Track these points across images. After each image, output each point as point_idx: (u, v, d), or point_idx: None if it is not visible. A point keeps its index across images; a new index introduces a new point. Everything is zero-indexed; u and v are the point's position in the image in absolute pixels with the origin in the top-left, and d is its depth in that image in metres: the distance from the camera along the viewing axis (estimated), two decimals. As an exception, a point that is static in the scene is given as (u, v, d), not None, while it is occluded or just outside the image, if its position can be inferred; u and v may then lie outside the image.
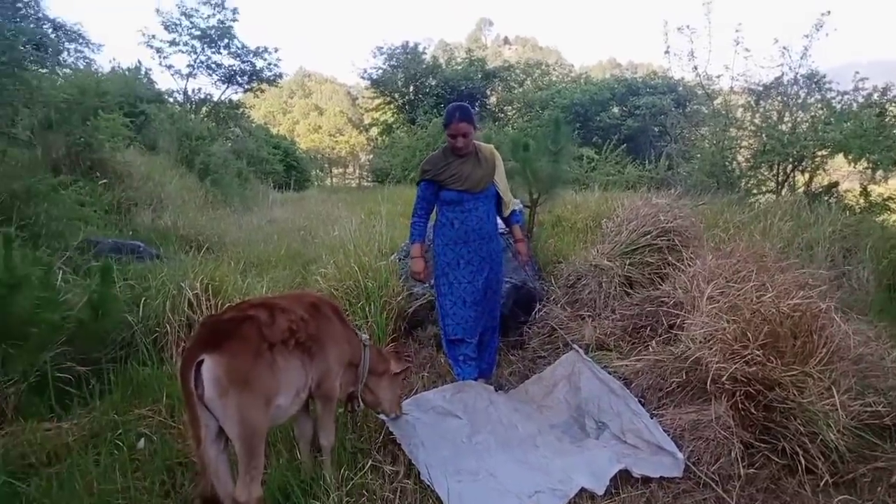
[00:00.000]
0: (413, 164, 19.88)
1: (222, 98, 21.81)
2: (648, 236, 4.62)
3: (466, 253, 3.72)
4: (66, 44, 18.45)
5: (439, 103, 25.31)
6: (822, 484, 2.73)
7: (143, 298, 4.25)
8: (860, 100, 8.30)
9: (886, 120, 5.70)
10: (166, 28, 19.98)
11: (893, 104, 6.05)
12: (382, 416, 3.23)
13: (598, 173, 12.83)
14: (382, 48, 27.57)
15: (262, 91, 24.00)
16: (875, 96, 6.97)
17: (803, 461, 2.81)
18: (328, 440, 2.80)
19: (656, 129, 17.57)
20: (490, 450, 3.20)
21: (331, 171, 37.21)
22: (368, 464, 2.92)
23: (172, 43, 20.19)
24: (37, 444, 3.04)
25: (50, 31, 17.23)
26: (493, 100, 28.11)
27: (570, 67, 43.60)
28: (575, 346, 3.92)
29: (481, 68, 27.31)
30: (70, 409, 3.40)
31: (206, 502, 2.14)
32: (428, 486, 2.79)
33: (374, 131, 31.61)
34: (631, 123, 18.52)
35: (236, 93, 22.68)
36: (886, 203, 7.57)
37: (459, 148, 3.63)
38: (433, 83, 26.63)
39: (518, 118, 24.67)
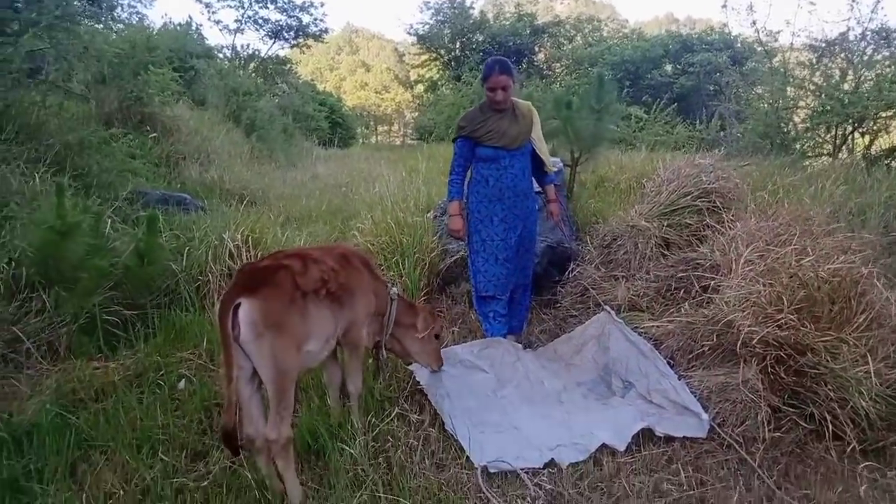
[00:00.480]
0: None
1: (269, 54, 21.95)
2: (688, 197, 4.50)
3: (500, 210, 3.70)
4: (119, -1, 18.82)
5: (486, 59, 24.85)
6: (848, 450, 2.69)
7: (187, 248, 4.42)
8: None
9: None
10: (213, -17, 20.12)
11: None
12: (412, 367, 3.32)
13: (647, 133, 12.44)
14: (429, 3, 27.06)
15: (309, 47, 24.09)
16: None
17: (831, 427, 2.76)
18: (355, 386, 2.90)
19: (710, 88, 16.87)
20: (514, 404, 3.25)
21: (376, 129, 37.22)
22: (395, 412, 3.01)
23: (221, -2, 20.36)
24: (86, 381, 3.24)
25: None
26: (541, 56, 27.39)
27: (624, 23, 42.06)
28: (606, 306, 3.90)
29: (530, 23, 26.54)
30: (117, 350, 3.61)
31: (227, 436, 2.25)
32: (451, 435, 2.87)
33: (419, 88, 31.32)
34: (684, 82, 17.84)
35: (283, 48, 22.83)
36: (951, 168, 7.14)
37: (498, 102, 3.59)
38: (480, 39, 26.08)
39: (566, 75, 24.03)
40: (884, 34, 8.64)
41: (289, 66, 23.17)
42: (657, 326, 3.62)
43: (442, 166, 10.09)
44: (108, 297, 3.76)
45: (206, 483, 2.55)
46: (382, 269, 4.52)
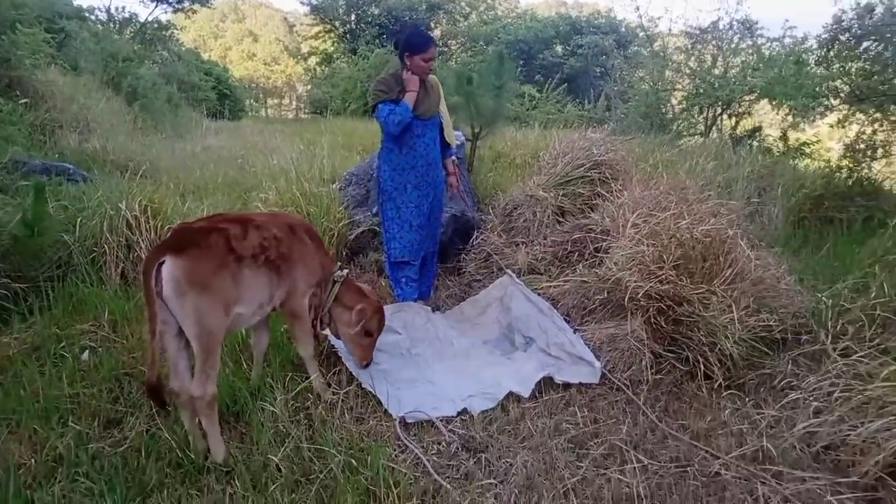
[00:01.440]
0: (355, 96, 19.44)
1: (149, 18, 20.48)
2: (581, 168, 4.85)
3: (413, 178, 3.83)
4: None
5: (382, 33, 24.63)
6: (716, 387, 3.11)
7: (79, 219, 4.20)
8: (789, 47, 8.67)
9: (803, 69, 6.05)
10: (87, -62, 18.41)
11: (810, 53, 6.42)
12: (325, 332, 3.39)
13: (539, 112, 12.98)
14: (324, -28, 26.32)
15: (194, 12, 22.63)
16: (790, 45, 7.35)
17: (702, 368, 3.17)
18: (306, 351, 2.99)
19: (598, 70, 17.78)
20: (427, 361, 3.45)
21: (265, 102, 35.83)
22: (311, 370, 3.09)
23: (95, -46, 18.69)
24: (-24, 357, 3.06)
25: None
26: (437, 32, 27.47)
27: (517, 2, 42.94)
28: (508, 270, 4.16)
29: (426, -1, 26.54)
30: (9, 323, 3.41)
31: (151, 390, 2.29)
32: (369, 391, 3.00)
33: (312, 61, 30.44)
34: (573, 63, 18.65)
35: (165, 13, 21.32)
36: (801, 148, 8.06)
37: (427, 73, 3.74)
38: (376, 12, 25.75)
39: (462, 53, 24.35)
40: (748, 24, 9.54)
41: (170, 31, 21.71)
42: (554, 287, 3.93)
43: (342, 140, 10.05)
44: (-5, 269, 3.53)
45: (122, 448, 2.53)
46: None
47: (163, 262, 2.23)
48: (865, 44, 5.90)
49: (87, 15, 16.67)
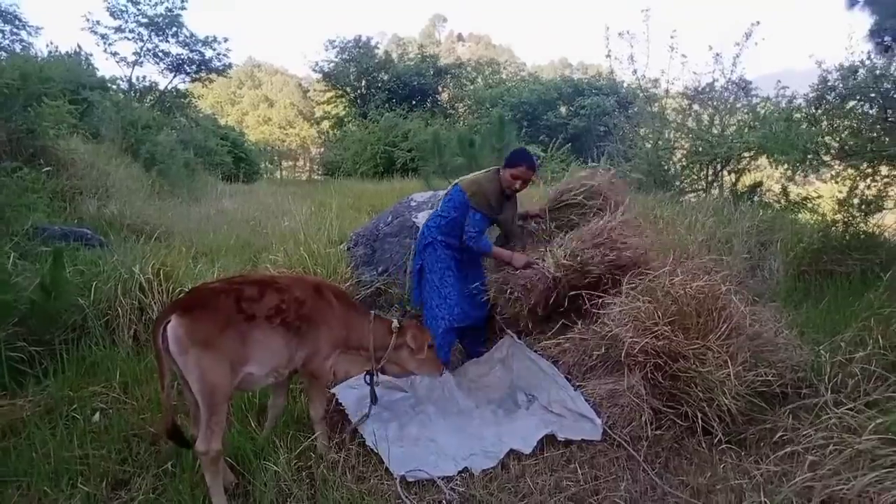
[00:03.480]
0: (365, 158, 19.98)
1: (169, 87, 21.37)
2: (572, 192, 4.88)
3: (477, 269, 4.23)
4: (1, 25, 17.84)
5: (391, 98, 25.49)
6: (716, 442, 3.12)
7: (94, 283, 4.35)
8: (782, 106, 8.91)
9: (794, 126, 6.25)
10: (112, 14, 19.48)
11: (799, 111, 6.64)
12: (335, 390, 3.47)
13: (544, 170, 13.26)
14: (335, 41, 27.56)
15: (211, 81, 23.60)
16: (783, 104, 7.59)
17: (701, 423, 3.20)
18: (316, 412, 3.05)
19: (600, 129, 18.19)
20: (431, 418, 3.49)
21: (280, 164, 36.76)
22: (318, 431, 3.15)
23: (118, 30, 19.71)
24: (-8, 419, 3.16)
25: (-19, 11, 16.65)
26: (444, 96, 28.44)
27: (522, 66, 44.40)
28: (508, 331, 4.23)
29: (433, 65, 27.60)
30: (24, 386, 3.52)
31: (171, 435, 2.47)
32: (371, 450, 3.05)
33: (325, 124, 31.48)
34: (577, 123, 19.14)
35: (183, 82, 22.26)
36: (803, 202, 8.18)
37: (516, 190, 4.09)
38: (385, 78, 26.78)
39: (469, 115, 25.07)
40: (742, 84, 9.84)
41: (189, 99, 22.62)
42: (555, 345, 3.99)
43: (351, 201, 10.33)
44: (13, 332, 3.67)
45: (129, 509, 2.59)
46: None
47: (169, 321, 2.37)
48: (851, 103, 6.10)
49: (109, 85, 17.45)
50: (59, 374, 3.66)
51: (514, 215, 4.28)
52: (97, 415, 3.31)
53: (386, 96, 25.78)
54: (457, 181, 4.20)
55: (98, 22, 19.56)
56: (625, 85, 19.44)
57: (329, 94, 29.36)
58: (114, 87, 18.43)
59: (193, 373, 2.39)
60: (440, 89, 28.22)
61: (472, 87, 27.95)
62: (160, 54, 20.57)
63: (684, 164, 10.02)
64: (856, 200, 6.15)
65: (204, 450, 2.42)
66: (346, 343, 3.08)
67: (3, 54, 15.32)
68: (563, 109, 21.16)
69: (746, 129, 8.74)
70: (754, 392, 3.32)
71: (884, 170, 6.12)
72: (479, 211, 4.02)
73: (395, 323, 3.26)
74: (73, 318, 4.13)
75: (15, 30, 18.40)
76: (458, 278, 4.08)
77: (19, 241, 4.83)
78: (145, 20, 19.76)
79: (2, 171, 5.98)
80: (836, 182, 6.44)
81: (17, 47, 18.05)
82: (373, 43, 28.36)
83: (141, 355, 4.00)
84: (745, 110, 9.43)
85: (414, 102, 26.16)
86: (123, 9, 19.49)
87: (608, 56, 11.12)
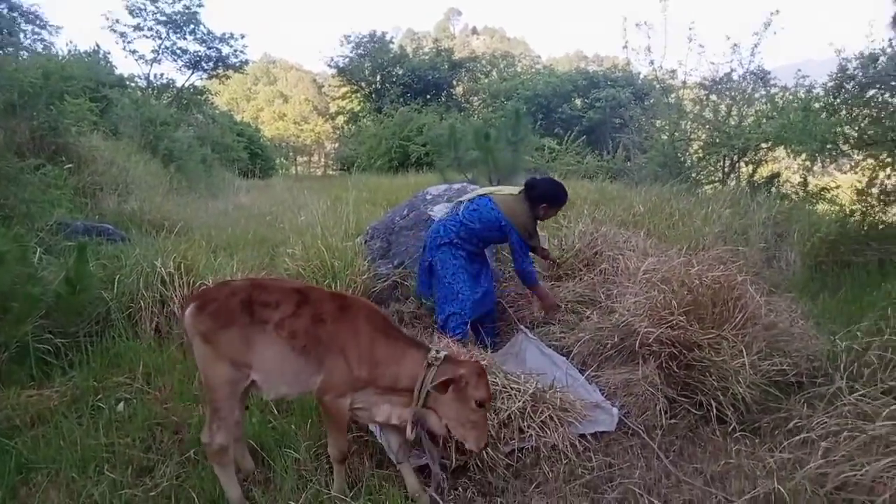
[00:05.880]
0: (380, 152, 20.06)
1: (186, 84, 21.60)
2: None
3: (486, 270, 4.35)
4: (23, 25, 18.13)
5: (406, 92, 25.55)
6: (730, 430, 3.14)
7: (117, 276, 4.45)
8: (801, 95, 8.83)
9: (812, 116, 6.20)
10: (130, 13, 19.73)
11: (817, 101, 6.58)
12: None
13: (559, 163, 13.27)
14: (350, 36, 27.65)
15: (228, 77, 23.82)
16: (801, 94, 7.51)
17: (716, 412, 3.21)
18: (333, 453, 2.61)
19: (616, 122, 18.05)
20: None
21: (295, 160, 37.02)
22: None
23: (137, 28, 19.95)
24: (20, 409, 3.26)
25: (5, 11, 16.92)
26: (459, 90, 28.42)
27: (537, 59, 44.10)
28: (521, 326, 4.26)
29: (448, 59, 27.56)
30: (51, 377, 3.62)
31: None
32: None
33: (340, 119, 31.63)
34: (592, 115, 19.04)
35: (200, 79, 22.49)
36: (822, 193, 8.11)
37: (543, 219, 4.25)
38: (400, 72, 26.81)
39: (484, 108, 25.02)
40: (761, 75, 9.75)
41: (205, 95, 22.85)
42: (569, 335, 4.02)
43: (367, 195, 10.40)
44: (39, 325, 3.77)
45: (153, 494, 2.66)
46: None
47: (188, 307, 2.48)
48: (871, 92, 6.04)
49: (127, 83, 17.69)
50: (84, 365, 3.75)
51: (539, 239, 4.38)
52: (121, 404, 3.40)
53: (401, 91, 25.84)
54: (485, 194, 4.24)
55: (118, 20, 19.83)
56: (641, 77, 19.35)
57: (344, 90, 29.47)
58: (132, 84, 18.69)
59: (198, 361, 2.48)
60: (455, 83, 28.19)
61: (486, 81, 27.87)
62: (178, 52, 20.80)
63: (701, 155, 9.97)
64: (875, 190, 6.09)
65: (206, 441, 2.47)
66: (372, 382, 2.53)
67: (26, 54, 15.58)
68: (578, 102, 21.04)
69: (764, 120, 8.67)
70: (769, 381, 3.33)
71: (904, 159, 6.05)
72: (519, 234, 4.11)
73: (434, 353, 2.56)
74: (97, 310, 4.23)
75: (37, 29, 18.74)
76: (470, 276, 4.16)
77: (44, 236, 4.95)
78: (164, 18, 19.98)
79: (26, 168, 6.13)
80: (856, 172, 6.38)
81: (39, 46, 18.40)
82: (387, 38, 28.42)
83: (163, 347, 4.09)
84: (764, 101, 9.34)
85: (429, 97, 26.21)
86: (142, 7, 19.72)
87: (625, 47, 11.07)
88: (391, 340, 2.59)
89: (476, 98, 27.76)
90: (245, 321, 2.46)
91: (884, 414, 2.49)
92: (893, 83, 5.63)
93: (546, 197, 4.12)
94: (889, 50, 5.90)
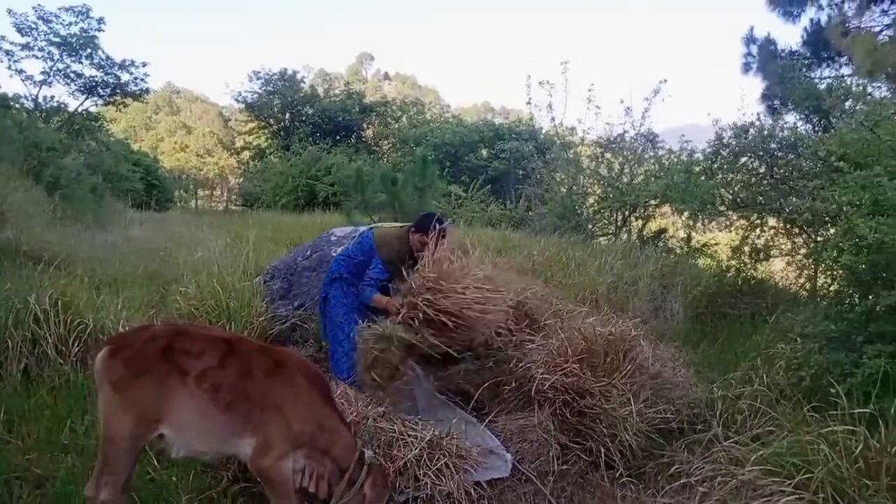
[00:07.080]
0: (286, 190, 19.69)
1: (79, 109, 20.35)
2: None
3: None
4: None
5: (315, 132, 25.39)
6: (618, 476, 3.27)
7: (-18, 312, 4.05)
8: (684, 158, 9.61)
9: (693, 178, 6.80)
10: (20, 31, 18.42)
11: (697, 164, 7.24)
12: None
13: (465, 210, 13.57)
14: (259, 72, 27.22)
15: (126, 105, 22.68)
16: (684, 156, 8.24)
17: (605, 458, 3.34)
18: None
19: (519, 173, 18.79)
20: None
21: (196, 193, 35.56)
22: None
23: (26, 47, 18.63)
24: None
25: None
26: (369, 132, 28.58)
27: (447, 107, 45.44)
28: (416, 367, 4.24)
29: (359, 101, 27.73)
30: None
31: None
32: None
33: (245, 154, 30.84)
34: (497, 165, 19.68)
35: (95, 104, 21.25)
36: (703, 248, 8.77)
37: (420, 253, 3.95)
38: (310, 112, 26.64)
39: (393, 152, 25.29)
40: (650, 137, 10.58)
41: (100, 122, 21.59)
42: (469, 379, 4.06)
43: (269, 234, 10.14)
44: None
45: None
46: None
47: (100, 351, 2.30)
48: (743, 159, 6.71)
49: (12, 103, 16.46)
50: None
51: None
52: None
53: (310, 130, 25.63)
54: (373, 226, 4.32)
55: (3, 37, 18.48)
56: (543, 131, 20.30)
57: (251, 125, 28.85)
58: (17, 105, 17.40)
59: (101, 410, 2.27)
60: (365, 126, 28.32)
61: (396, 126, 28.22)
62: (72, 75, 19.57)
63: (596, 208, 10.56)
64: (747, 248, 6.68)
65: (90, 496, 2.25)
66: (311, 441, 2.43)
67: None
68: (484, 152, 21.71)
69: (653, 179, 9.34)
70: (654, 428, 3.51)
71: (771, 221, 6.71)
72: (383, 263, 4.10)
73: (369, 454, 2.55)
74: (-44, 349, 3.82)
75: None
76: (361, 314, 4.07)
77: None
78: (57, 39, 18.83)
79: None
80: (731, 231, 6.99)
81: None
82: (299, 77, 28.30)
83: (30, 391, 3.74)
84: (652, 161, 10.08)
85: (338, 137, 26.16)
86: (33, 26, 18.51)
87: (528, 103, 11.67)
88: (330, 410, 2.53)
89: (386, 142, 28.00)
90: (162, 370, 2.28)
91: (752, 459, 2.69)
92: (760, 153, 6.30)
93: (417, 224, 4.16)
94: (757, 123, 6.61)
